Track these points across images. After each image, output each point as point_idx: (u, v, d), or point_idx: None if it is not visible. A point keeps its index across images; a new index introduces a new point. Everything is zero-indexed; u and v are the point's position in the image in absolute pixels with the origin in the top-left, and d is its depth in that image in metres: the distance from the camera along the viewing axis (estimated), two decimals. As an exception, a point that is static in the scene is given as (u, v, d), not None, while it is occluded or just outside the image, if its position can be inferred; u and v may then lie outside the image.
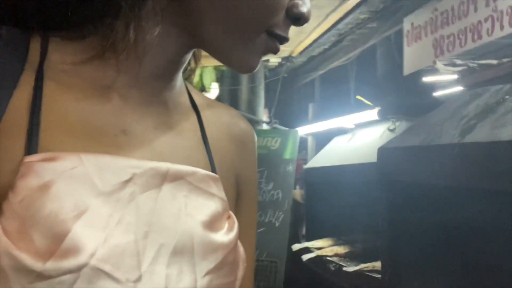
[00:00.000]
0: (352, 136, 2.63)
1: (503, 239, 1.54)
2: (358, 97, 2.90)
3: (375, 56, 2.97)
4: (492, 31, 1.56)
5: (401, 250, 1.51)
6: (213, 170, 0.44)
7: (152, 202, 0.36)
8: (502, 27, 1.52)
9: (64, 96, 0.38)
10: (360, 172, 1.95)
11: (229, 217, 0.42)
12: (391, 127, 2.21)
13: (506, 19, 1.51)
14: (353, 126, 2.73)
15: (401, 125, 2.16)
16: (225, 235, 0.39)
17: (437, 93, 1.86)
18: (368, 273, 1.78)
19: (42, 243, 0.30)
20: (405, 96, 2.30)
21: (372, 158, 1.64)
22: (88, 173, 0.33)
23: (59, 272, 0.30)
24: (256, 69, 0.43)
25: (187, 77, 0.51)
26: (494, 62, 1.20)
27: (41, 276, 0.29)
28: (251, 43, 0.40)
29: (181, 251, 0.36)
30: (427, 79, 1.86)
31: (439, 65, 1.58)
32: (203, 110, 0.48)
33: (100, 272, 0.31)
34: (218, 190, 0.41)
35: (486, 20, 1.60)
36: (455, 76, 1.50)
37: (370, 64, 3.05)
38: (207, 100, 0.52)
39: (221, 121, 0.50)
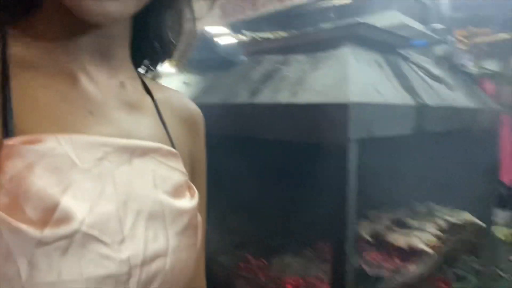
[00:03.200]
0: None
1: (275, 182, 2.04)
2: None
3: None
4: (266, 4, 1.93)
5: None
6: (173, 147, 0.50)
7: (126, 175, 0.41)
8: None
9: (31, 83, 0.41)
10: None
11: (189, 187, 0.49)
12: (187, 81, 2.44)
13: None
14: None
15: (195, 80, 2.41)
16: (188, 202, 0.47)
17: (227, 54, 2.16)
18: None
19: (35, 215, 0.33)
20: (199, 52, 2.52)
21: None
22: (67, 153, 0.37)
23: (55, 238, 0.34)
24: (111, 14, 0.41)
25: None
26: (271, 36, 1.54)
27: (40, 243, 0.33)
28: None
29: (155, 217, 0.42)
30: (218, 39, 2.12)
31: (226, 30, 1.84)
32: (155, 93, 0.54)
33: (90, 237, 0.36)
34: (179, 164, 0.48)
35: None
36: (237, 41, 1.79)
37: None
38: (156, 84, 0.57)
39: (172, 104, 0.56)
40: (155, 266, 0.40)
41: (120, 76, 0.49)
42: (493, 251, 2.42)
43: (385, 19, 1.71)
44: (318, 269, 1.70)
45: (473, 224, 2.25)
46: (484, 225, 2.28)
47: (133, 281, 0.38)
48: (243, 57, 1.64)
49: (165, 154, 0.46)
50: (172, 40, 0.55)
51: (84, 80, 0.45)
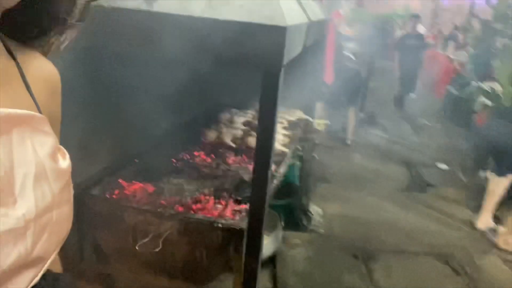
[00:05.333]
0: None
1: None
2: None
3: None
4: None
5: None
6: (39, 111, 0.53)
7: (9, 143, 0.46)
8: None
9: None
10: None
11: (59, 149, 0.54)
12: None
13: None
14: None
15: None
16: (63, 162, 0.52)
17: None
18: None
19: None
20: None
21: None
22: None
23: None
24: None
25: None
26: None
27: None
28: None
29: (40, 177, 0.48)
30: None
31: None
32: (18, 56, 0.54)
33: None
34: (49, 129, 0.52)
35: None
36: None
37: None
38: (17, 45, 0.56)
39: (34, 66, 0.57)
40: (45, 219, 0.47)
41: None
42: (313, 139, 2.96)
43: None
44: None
45: (304, 120, 2.65)
46: (311, 119, 2.72)
47: (29, 233, 0.46)
48: None
49: (38, 120, 0.51)
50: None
51: None
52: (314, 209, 3.33)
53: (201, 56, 1.09)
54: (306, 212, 3.18)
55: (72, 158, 0.57)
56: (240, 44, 1.05)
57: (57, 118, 0.61)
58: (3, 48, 0.53)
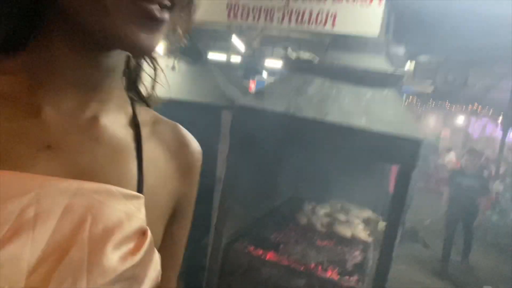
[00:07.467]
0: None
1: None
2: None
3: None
4: (283, 21, 2.15)
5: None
6: (140, 187, 0.45)
7: (53, 219, 0.37)
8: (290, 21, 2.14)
9: None
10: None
11: (142, 234, 0.42)
12: (174, 66, 2.38)
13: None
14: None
15: (185, 68, 2.39)
16: (121, 259, 0.39)
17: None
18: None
19: None
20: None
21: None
22: None
23: None
24: (154, 49, 0.41)
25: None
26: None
27: None
28: (129, 15, 0.38)
29: (72, 264, 0.36)
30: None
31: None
32: (145, 126, 0.49)
33: None
34: (134, 208, 0.42)
35: (279, 9, 2.16)
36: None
37: None
38: (154, 117, 0.52)
39: (163, 138, 0.51)
40: None
41: (95, 107, 0.45)
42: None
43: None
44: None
45: (373, 219, 3.02)
46: (379, 218, 3.08)
47: None
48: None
49: (114, 195, 0.41)
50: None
51: (47, 111, 0.41)
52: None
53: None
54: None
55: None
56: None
57: (186, 198, 0.53)
58: (127, 115, 0.49)
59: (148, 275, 0.41)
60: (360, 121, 1.60)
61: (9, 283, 0.33)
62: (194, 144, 0.53)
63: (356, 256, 2.17)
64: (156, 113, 0.53)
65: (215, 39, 4.73)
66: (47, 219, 0.36)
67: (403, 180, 1.51)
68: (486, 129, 13.51)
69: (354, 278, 1.81)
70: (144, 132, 0.48)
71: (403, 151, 1.50)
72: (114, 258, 0.38)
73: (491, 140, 12.63)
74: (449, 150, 7.00)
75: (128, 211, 0.41)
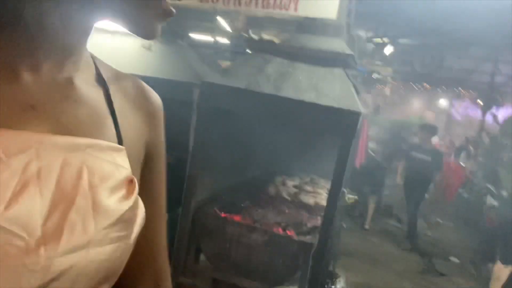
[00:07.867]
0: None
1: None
2: None
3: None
4: (250, 4, 2.32)
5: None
6: (120, 140, 0.49)
7: (54, 172, 0.40)
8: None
9: None
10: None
11: (130, 182, 0.46)
12: (146, 46, 2.53)
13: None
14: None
15: (158, 47, 2.55)
16: (119, 201, 0.44)
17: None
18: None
19: None
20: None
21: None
22: None
23: None
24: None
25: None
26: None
27: None
28: (149, 9, 0.45)
29: (81, 211, 0.40)
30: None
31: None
32: (110, 83, 0.52)
33: (7, 231, 0.35)
34: (120, 159, 0.46)
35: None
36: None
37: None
38: (114, 72, 0.55)
39: (129, 93, 0.54)
40: (76, 257, 0.39)
41: (70, 68, 0.47)
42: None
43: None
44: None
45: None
46: (345, 191, 3.32)
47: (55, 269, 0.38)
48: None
49: (103, 148, 0.45)
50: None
51: (28, 75, 0.43)
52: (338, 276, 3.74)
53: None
54: (332, 277, 3.59)
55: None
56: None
57: (155, 147, 0.57)
58: (94, 74, 0.51)
59: (137, 220, 0.46)
60: (310, 96, 1.79)
61: (27, 232, 0.36)
62: (154, 95, 0.58)
63: (317, 220, 2.40)
64: (113, 67, 0.56)
65: (201, 20, 4.86)
66: (49, 172, 0.39)
67: (344, 150, 1.72)
68: (468, 110, 13.88)
69: (309, 237, 2.03)
70: (111, 89, 0.51)
71: (343, 123, 1.71)
72: (112, 201, 0.43)
73: (470, 122, 13.00)
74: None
75: (116, 162, 0.45)
